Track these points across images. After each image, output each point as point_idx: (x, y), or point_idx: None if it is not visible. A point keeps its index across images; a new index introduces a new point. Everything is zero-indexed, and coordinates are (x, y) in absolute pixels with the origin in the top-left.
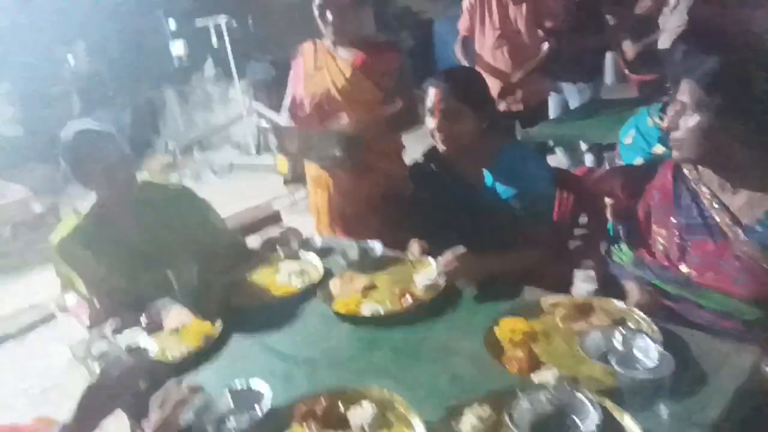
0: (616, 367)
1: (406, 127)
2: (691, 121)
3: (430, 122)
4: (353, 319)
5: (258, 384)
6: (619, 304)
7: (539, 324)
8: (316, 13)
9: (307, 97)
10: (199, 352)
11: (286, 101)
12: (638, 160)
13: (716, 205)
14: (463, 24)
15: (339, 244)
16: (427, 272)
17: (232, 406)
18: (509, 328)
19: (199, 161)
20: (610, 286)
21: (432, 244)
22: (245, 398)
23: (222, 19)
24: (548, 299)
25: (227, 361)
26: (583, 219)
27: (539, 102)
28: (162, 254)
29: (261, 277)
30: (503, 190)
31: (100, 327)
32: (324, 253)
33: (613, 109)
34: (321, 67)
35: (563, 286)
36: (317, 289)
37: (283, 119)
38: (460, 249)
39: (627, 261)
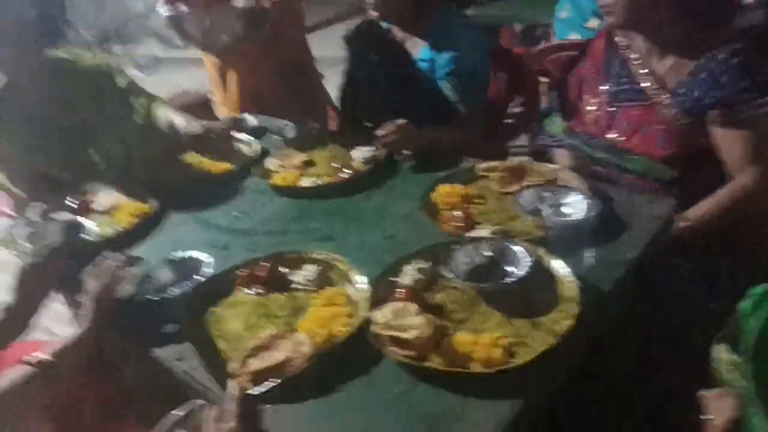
0: (547, 216)
1: None
2: None
3: None
4: (291, 191)
5: (197, 254)
6: (551, 165)
7: (475, 188)
8: None
9: None
10: (135, 230)
11: None
12: (572, 35)
13: (644, 71)
14: None
15: (274, 123)
16: (366, 147)
17: (172, 274)
18: (446, 192)
19: (120, 55)
20: (541, 157)
21: (367, 120)
22: (185, 267)
23: None
24: (483, 165)
25: (164, 237)
26: (517, 100)
27: None
28: (82, 132)
29: (194, 155)
30: (440, 61)
31: (25, 213)
32: (258, 132)
33: None
34: None
35: (498, 159)
36: (252, 167)
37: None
38: (401, 120)
39: (559, 131)
